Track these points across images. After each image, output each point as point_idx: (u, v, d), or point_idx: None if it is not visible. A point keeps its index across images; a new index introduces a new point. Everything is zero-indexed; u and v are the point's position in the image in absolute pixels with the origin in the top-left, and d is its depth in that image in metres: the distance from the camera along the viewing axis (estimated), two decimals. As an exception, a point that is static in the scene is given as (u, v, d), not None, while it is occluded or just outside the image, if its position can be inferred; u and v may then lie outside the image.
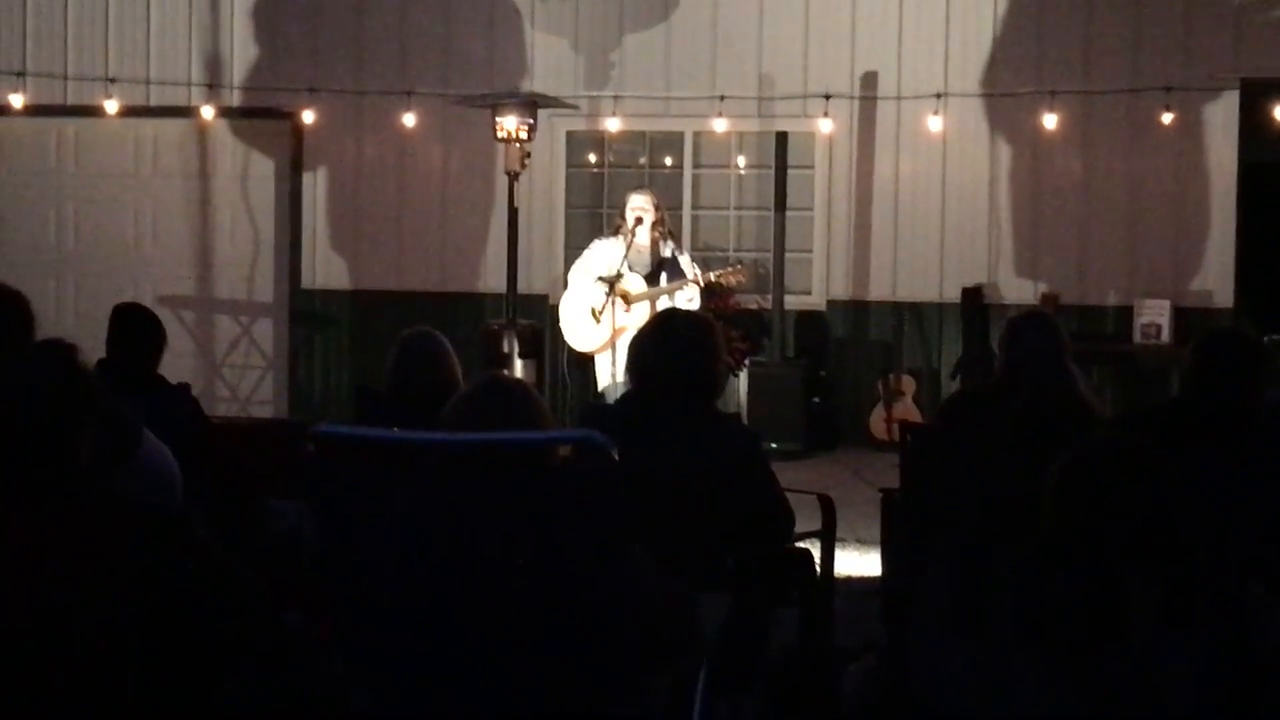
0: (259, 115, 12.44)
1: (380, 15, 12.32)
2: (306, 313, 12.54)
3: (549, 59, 12.13)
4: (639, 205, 9.55)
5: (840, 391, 11.95)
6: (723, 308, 10.99)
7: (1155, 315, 11.29)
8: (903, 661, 3.17)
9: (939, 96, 11.57)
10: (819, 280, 12.04)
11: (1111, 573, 2.97)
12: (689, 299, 9.26)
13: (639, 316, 9.14)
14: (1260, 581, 3.20)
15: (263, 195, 12.63)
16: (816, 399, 11.70)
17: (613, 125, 11.90)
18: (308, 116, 12.15)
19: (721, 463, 4.52)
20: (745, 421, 10.20)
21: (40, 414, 3.09)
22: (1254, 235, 11.50)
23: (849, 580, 7.04)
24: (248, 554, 3.68)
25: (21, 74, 12.32)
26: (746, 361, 11.35)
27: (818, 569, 5.19)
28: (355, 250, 12.46)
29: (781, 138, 11.49)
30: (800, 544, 5.09)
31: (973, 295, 11.66)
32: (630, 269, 9.52)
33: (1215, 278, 11.50)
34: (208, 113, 12.24)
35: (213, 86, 12.37)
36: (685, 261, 9.65)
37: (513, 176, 10.30)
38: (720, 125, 11.74)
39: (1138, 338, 11.31)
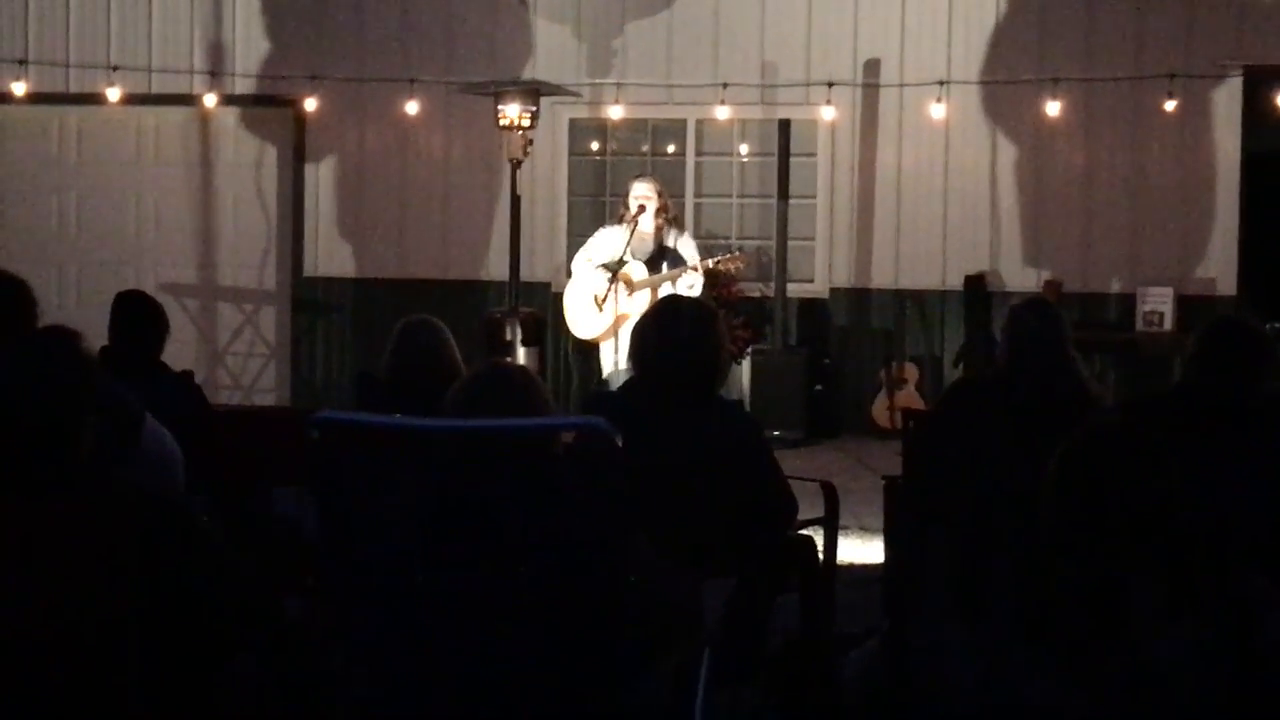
0: (261, 103, 12.44)
1: (382, 2, 12.31)
2: (309, 300, 12.54)
3: (551, 46, 12.12)
4: (641, 193, 9.55)
5: (843, 379, 11.95)
6: (725, 295, 10.99)
7: (1158, 303, 11.30)
8: (903, 648, 3.17)
9: (942, 84, 11.56)
10: (821, 268, 12.03)
11: (1112, 561, 2.97)
12: (690, 285, 9.25)
13: (641, 304, 9.14)
14: (1261, 572, 3.20)
15: (265, 183, 12.63)
16: (819, 387, 11.70)
17: (615, 113, 11.89)
18: (310, 104, 12.15)
19: (724, 450, 4.52)
20: (748, 409, 10.22)
21: (42, 401, 3.09)
22: (1257, 223, 11.50)
23: (851, 568, 7.05)
24: (249, 541, 3.69)
25: (24, 62, 12.31)
26: (749, 349, 11.35)
27: (820, 556, 5.20)
28: (358, 238, 12.46)
29: (784, 125, 11.47)
30: (803, 531, 5.10)
31: (975, 283, 11.66)
32: (634, 256, 9.52)
33: (1218, 265, 11.50)
34: (210, 101, 12.24)
35: (215, 74, 12.36)
36: (689, 248, 9.61)
37: (515, 164, 10.29)
38: (723, 113, 11.73)
39: (1140, 325, 11.32)
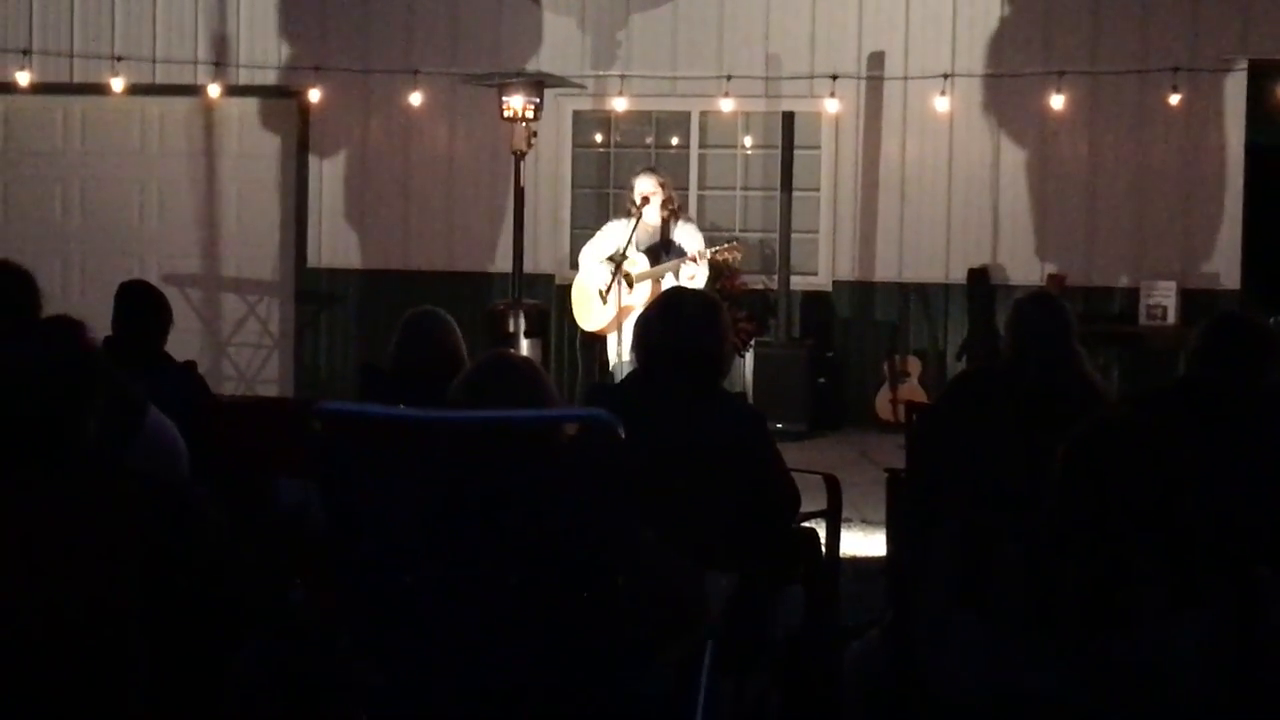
0: (266, 94, 12.44)
1: (387, -6, 12.32)
2: (312, 291, 12.55)
3: (556, 38, 12.12)
4: (644, 187, 9.53)
5: (846, 372, 11.95)
6: (729, 288, 10.99)
7: (1162, 297, 11.30)
8: (905, 639, 3.17)
9: (946, 77, 11.55)
10: (825, 261, 12.03)
11: (1117, 552, 2.97)
12: (690, 276, 9.23)
13: (643, 296, 9.14)
14: (1266, 563, 3.20)
15: (269, 174, 12.63)
16: (822, 379, 11.69)
17: (619, 105, 11.89)
18: (314, 95, 12.15)
19: (727, 443, 4.52)
20: (751, 402, 10.22)
21: (47, 390, 3.10)
22: (1261, 217, 11.49)
23: (854, 560, 7.05)
24: (253, 531, 3.69)
25: (28, 52, 12.31)
26: (752, 342, 11.35)
27: (823, 549, 5.20)
28: (361, 229, 12.46)
29: (788, 118, 11.48)
30: (806, 524, 5.10)
31: (979, 276, 11.66)
32: (638, 249, 9.51)
33: (1222, 259, 11.49)
34: (214, 91, 12.23)
35: (219, 65, 12.36)
36: (690, 237, 9.56)
37: (519, 156, 10.29)
38: (727, 105, 11.73)
39: (1144, 319, 11.31)
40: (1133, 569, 2.97)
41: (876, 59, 11.80)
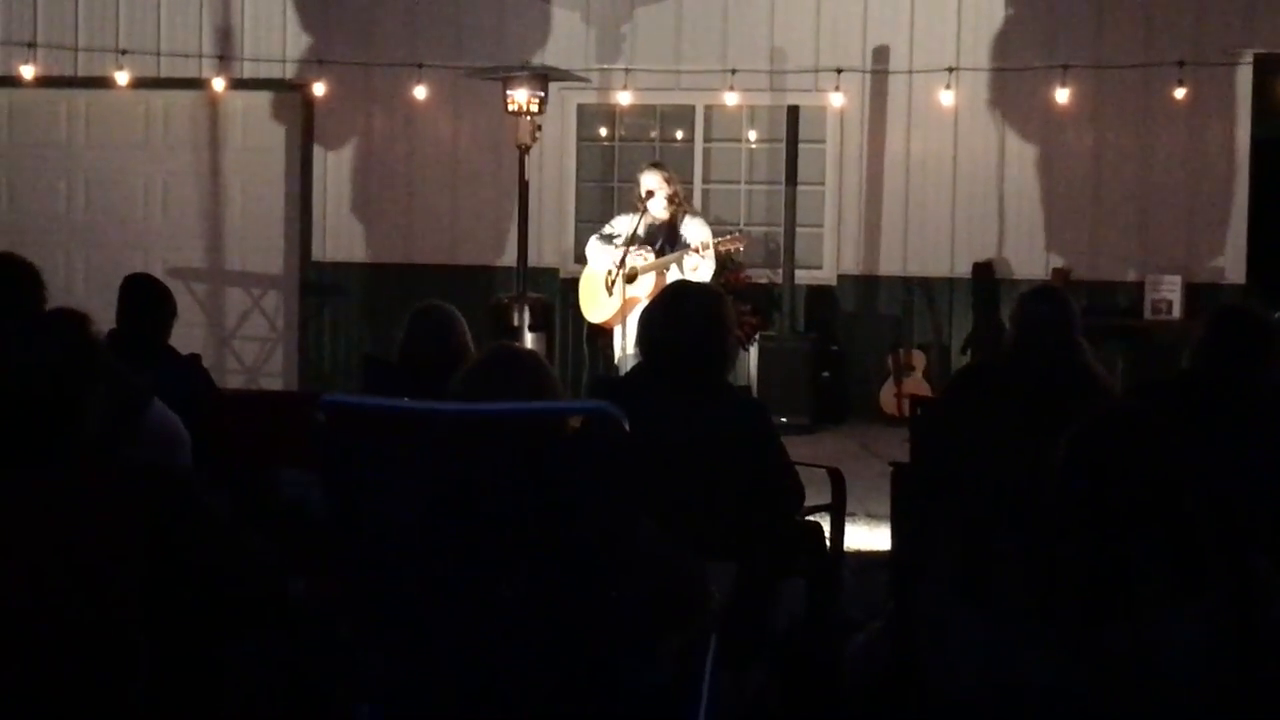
0: (270, 87, 12.44)
1: (391, -13, 12.32)
2: (316, 285, 12.55)
3: (560, 32, 12.11)
4: (649, 182, 9.52)
5: (850, 366, 11.95)
6: (733, 282, 10.98)
7: (1166, 291, 11.29)
8: (907, 631, 3.17)
9: (951, 71, 11.54)
10: (829, 255, 12.02)
11: (1119, 544, 2.98)
12: (694, 268, 9.23)
13: (648, 289, 9.15)
14: (1266, 556, 3.21)
15: (273, 167, 12.62)
16: (826, 374, 11.70)
17: (624, 99, 11.89)
18: (319, 89, 12.15)
19: (731, 436, 4.52)
20: (755, 395, 10.21)
21: (50, 382, 3.10)
22: (1266, 211, 11.48)
23: (858, 554, 7.04)
24: (256, 522, 3.70)
25: (32, 45, 12.31)
26: (756, 336, 11.34)
27: (827, 542, 5.20)
28: (365, 223, 12.46)
29: (793, 112, 11.47)
30: (810, 518, 5.10)
31: (983, 270, 11.66)
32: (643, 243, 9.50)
33: (1227, 253, 11.48)
34: (219, 85, 12.23)
35: (223, 58, 12.36)
36: (698, 233, 9.54)
37: (523, 150, 10.28)
38: (731, 99, 11.72)
39: (1148, 313, 11.31)
40: (1134, 561, 2.97)
41: (881, 53, 11.79)
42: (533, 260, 10.92)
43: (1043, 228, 11.70)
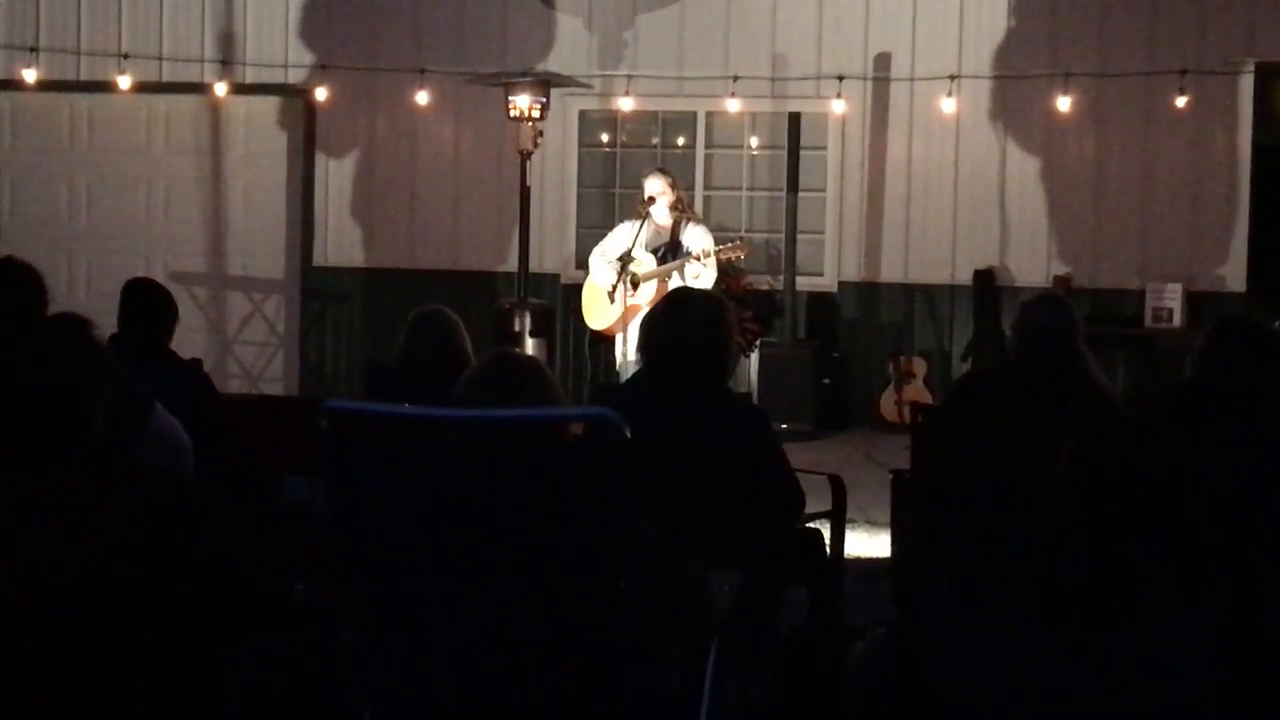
0: (272, 92, 12.45)
1: (393, -7, 12.33)
2: (318, 290, 12.55)
3: (562, 38, 12.12)
4: (652, 187, 9.54)
5: (851, 373, 11.95)
6: (734, 288, 10.98)
7: (1168, 299, 11.29)
8: (910, 637, 3.17)
9: (952, 78, 11.55)
10: (831, 261, 12.03)
11: (1122, 550, 2.98)
12: (695, 275, 9.23)
13: (649, 295, 9.15)
14: (1270, 562, 3.21)
15: (275, 172, 12.63)
16: (827, 380, 11.69)
17: (626, 105, 11.89)
18: (320, 94, 12.16)
19: (732, 441, 4.52)
20: (756, 402, 10.21)
21: (53, 387, 3.10)
22: (1267, 219, 11.47)
23: (859, 561, 7.04)
24: (259, 527, 3.70)
25: (35, 49, 12.32)
26: (758, 342, 11.34)
27: (828, 549, 5.20)
28: (367, 228, 12.47)
29: (794, 118, 11.47)
30: (811, 524, 5.10)
31: (984, 278, 11.66)
32: (645, 249, 9.52)
33: (1228, 262, 11.48)
34: (221, 89, 12.23)
35: (226, 63, 12.36)
36: (700, 240, 9.54)
37: (525, 155, 10.29)
38: (733, 105, 11.73)
39: (1149, 321, 11.31)
40: (1137, 567, 2.97)
41: (883, 60, 11.80)
42: (534, 266, 10.93)
43: (1044, 235, 11.71)
